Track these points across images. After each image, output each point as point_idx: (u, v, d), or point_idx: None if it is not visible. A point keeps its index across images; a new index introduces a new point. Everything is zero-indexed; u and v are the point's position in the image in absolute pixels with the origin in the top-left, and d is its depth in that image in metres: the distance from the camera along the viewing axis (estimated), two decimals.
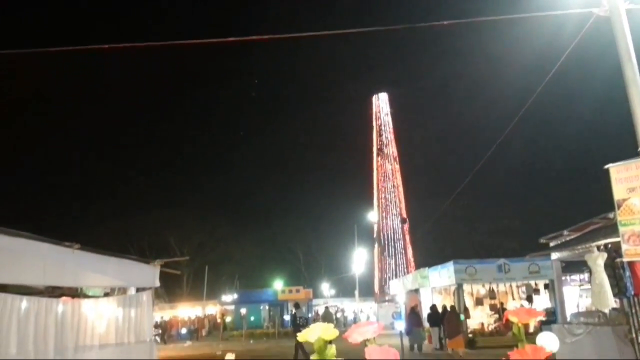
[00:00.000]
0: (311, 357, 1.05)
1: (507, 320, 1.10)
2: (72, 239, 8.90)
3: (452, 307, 17.32)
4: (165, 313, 34.52)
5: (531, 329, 1.14)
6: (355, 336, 1.07)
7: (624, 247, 7.16)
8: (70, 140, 73.46)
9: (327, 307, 30.82)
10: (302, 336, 1.08)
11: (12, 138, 58.01)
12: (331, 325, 1.09)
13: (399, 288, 28.30)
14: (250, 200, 74.16)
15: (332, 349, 1.07)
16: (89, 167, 71.70)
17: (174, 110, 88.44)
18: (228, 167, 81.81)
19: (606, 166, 7.33)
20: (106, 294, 11.28)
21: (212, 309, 37.79)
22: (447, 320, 16.50)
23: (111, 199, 60.92)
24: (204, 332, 32.35)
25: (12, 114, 60.37)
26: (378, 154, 62.17)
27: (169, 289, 38.09)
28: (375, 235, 58.52)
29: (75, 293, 10.25)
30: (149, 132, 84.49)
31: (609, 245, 10.08)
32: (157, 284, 11.47)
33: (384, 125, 62.97)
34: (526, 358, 0.98)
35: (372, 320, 1.18)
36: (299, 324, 14.80)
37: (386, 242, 59.05)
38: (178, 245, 45.10)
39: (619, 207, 7.10)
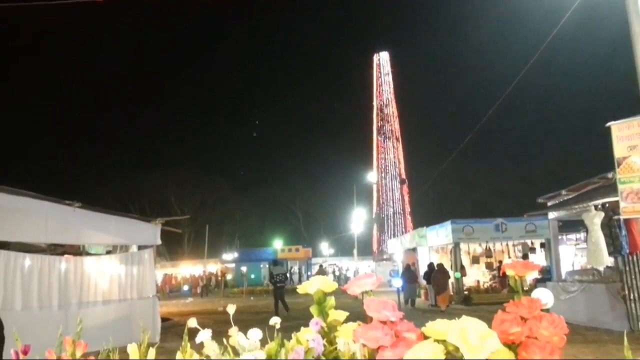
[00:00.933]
0: (311, 308, 1.07)
1: (504, 275, 1.10)
2: (73, 198, 8.95)
3: (439, 264, 17.67)
4: (167, 271, 35.08)
5: (526, 287, 1.15)
6: (354, 288, 1.08)
7: (621, 204, 7.21)
8: (71, 101, 72.76)
9: (320, 265, 31.41)
10: (301, 288, 1.10)
11: (13, 101, 57.36)
12: (329, 278, 1.11)
13: (396, 247, 28.69)
14: (250, 160, 74.25)
15: (331, 300, 1.09)
16: (89, 127, 71.37)
17: (177, 70, 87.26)
18: (229, 126, 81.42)
19: (608, 124, 7.29)
20: (108, 252, 11.44)
21: (213, 267, 38.42)
22: (434, 278, 16.87)
23: (112, 158, 60.96)
24: (198, 290, 32.68)
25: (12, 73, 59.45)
26: (378, 114, 61.58)
27: (171, 248, 38.61)
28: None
29: (78, 251, 10.40)
30: (152, 92, 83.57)
31: (607, 205, 10.16)
32: (159, 242, 11.59)
33: (385, 85, 62.13)
34: (522, 309, 0.99)
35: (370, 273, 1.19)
36: (277, 280, 15.12)
37: (384, 202, 59.35)
38: (179, 204, 45.38)
39: (619, 165, 7.11)
